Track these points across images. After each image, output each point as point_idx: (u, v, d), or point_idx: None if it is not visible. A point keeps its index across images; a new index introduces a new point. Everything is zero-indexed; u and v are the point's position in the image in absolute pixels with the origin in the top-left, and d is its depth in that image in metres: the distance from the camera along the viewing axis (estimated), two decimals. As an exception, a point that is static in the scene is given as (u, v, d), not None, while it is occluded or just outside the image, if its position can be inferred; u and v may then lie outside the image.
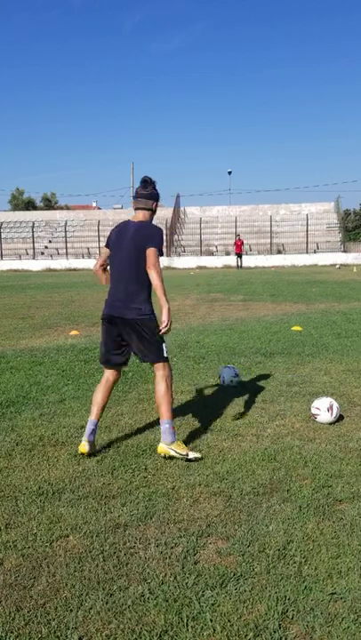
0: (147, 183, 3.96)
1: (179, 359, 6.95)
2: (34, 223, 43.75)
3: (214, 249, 41.34)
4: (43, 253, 42.89)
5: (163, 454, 3.81)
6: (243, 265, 35.42)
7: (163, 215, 40.55)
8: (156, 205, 4.02)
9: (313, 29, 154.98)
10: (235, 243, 35.59)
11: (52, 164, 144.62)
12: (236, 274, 28.68)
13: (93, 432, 3.89)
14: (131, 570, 2.53)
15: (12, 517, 3.01)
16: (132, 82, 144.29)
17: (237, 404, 5.05)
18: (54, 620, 2.19)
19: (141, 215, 3.96)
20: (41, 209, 65.85)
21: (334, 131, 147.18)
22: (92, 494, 3.27)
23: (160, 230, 3.95)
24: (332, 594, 2.33)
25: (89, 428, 3.88)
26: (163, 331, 3.82)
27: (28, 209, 64.37)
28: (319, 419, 4.49)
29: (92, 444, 3.85)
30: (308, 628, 2.14)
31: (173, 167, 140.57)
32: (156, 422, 4.31)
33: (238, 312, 11.86)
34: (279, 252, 40.41)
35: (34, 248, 42.11)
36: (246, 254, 37.25)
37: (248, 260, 36.88)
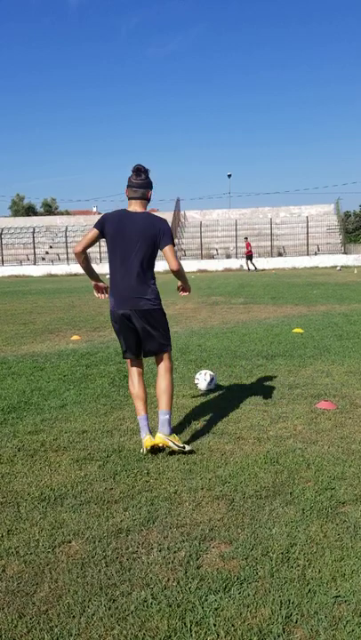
0: (140, 171, 3.90)
1: (180, 363, 6.94)
2: (34, 229, 43.82)
3: (215, 252, 41.36)
4: (43, 259, 42.96)
5: (160, 445, 3.85)
6: (251, 267, 34.55)
7: (163, 219, 40.36)
8: (151, 194, 3.96)
9: (311, 31, 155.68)
10: (246, 245, 34.60)
11: (52, 170, 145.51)
12: (238, 276, 28.64)
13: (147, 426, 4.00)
14: (133, 575, 2.51)
15: (14, 523, 3.01)
16: (129, 86, 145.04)
17: (239, 407, 5.03)
18: (57, 626, 2.18)
19: (140, 205, 3.92)
20: (41, 214, 66.00)
21: (334, 132, 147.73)
22: (95, 499, 3.26)
23: (167, 222, 3.98)
24: (337, 597, 2.31)
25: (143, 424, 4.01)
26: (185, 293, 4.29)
27: (28, 215, 64.51)
28: (200, 386, 5.55)
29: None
30: (312, 631, 2.12)
31: (173, 171, 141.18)
32: (157, 425, 4.29)
33: (239, 315, 11.85)
34: (280, 254, 40.41)
35: (34, 254, 42.18)
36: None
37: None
